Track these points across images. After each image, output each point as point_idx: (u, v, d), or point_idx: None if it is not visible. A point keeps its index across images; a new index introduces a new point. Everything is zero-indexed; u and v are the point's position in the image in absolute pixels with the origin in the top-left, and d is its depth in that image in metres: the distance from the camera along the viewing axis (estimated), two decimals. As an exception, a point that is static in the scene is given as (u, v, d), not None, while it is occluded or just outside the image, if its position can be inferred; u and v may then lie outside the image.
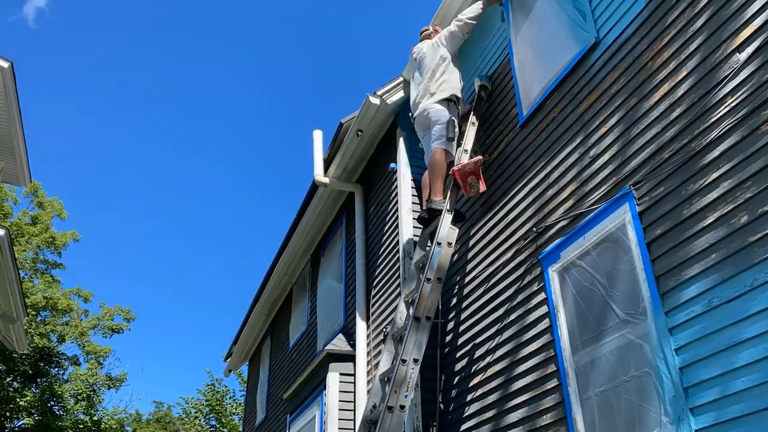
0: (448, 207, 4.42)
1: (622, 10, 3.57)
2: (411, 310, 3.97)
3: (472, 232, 4.81)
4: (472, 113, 4.92)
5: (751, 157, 2.57)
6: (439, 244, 4.22)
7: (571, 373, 3.35)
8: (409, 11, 44.33)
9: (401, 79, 5.94)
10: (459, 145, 4.82)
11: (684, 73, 3.03)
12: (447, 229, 4.31)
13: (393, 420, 3.47)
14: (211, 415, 21.38)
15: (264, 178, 52.94)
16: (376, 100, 5.81)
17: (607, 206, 3.33)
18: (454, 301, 4.85)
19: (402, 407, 3.52)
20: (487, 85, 5.01)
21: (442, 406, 4.64)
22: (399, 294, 5.24)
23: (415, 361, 3.73)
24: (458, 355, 4.61)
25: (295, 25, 46.62)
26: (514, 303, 4.02)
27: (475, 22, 5.02)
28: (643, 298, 2.95)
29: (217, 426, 21.24)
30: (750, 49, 2.68)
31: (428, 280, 4.05)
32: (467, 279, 4.73)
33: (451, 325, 4.83)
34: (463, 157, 4.62)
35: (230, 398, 21.75)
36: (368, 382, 5.68)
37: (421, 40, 5.44)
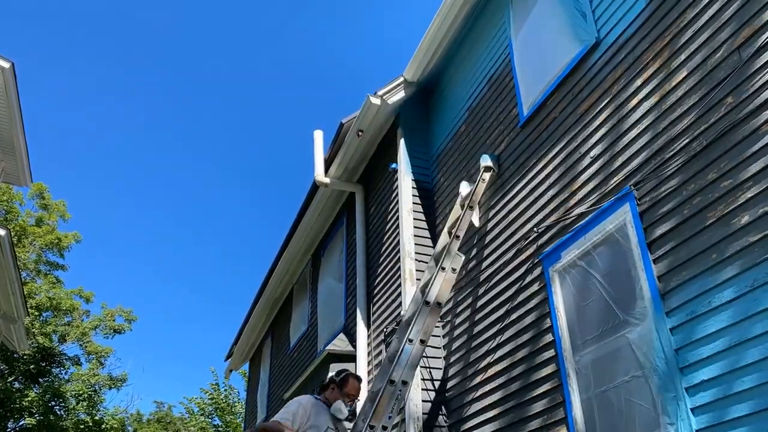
0: (464, 207, 4.56)
1: (622, 11, 3.57)
2: (423, 295, 4.06)
3: (474, 232, 4.80)
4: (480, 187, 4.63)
5: (751, 157, 2.57)
6: (458, 237, 4.35)
7: (572, 373, 3.35)
8: (409, 11, 44.35)
9: (402, 79, 5.93)
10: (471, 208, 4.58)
11: (685, 73, 3.03)
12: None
13: (394, 393, 3.53)
14: (214, 414, 21.33)
15: (265, 178, 53.00)
16: (376, 101, 5.81)
17: (607, 206, 3.33)
18: (456, 301, 4.85)
19: (404, 383, 3.58)
20: (493, 167, 4.63)
21: (444, 406, 4.64)
22: (400, 294, 5.24)
23: (422, 342, 3.79)
24: (459, 355, 4.60)
25: (296, 25, 46.65)
26: (515, 303, 4.02)
27: None
28: (644, 298, 2.95)
29: (221, 425, 21.19)
30: (751, 49, 2.68)
31: (443, 269, 4.15)
32: (468, 279, 4.72)
33: (453, 325, 4.82)
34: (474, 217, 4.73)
35: (235, 398, 21.69)
36: (369, 382, 5.67)
37: None
